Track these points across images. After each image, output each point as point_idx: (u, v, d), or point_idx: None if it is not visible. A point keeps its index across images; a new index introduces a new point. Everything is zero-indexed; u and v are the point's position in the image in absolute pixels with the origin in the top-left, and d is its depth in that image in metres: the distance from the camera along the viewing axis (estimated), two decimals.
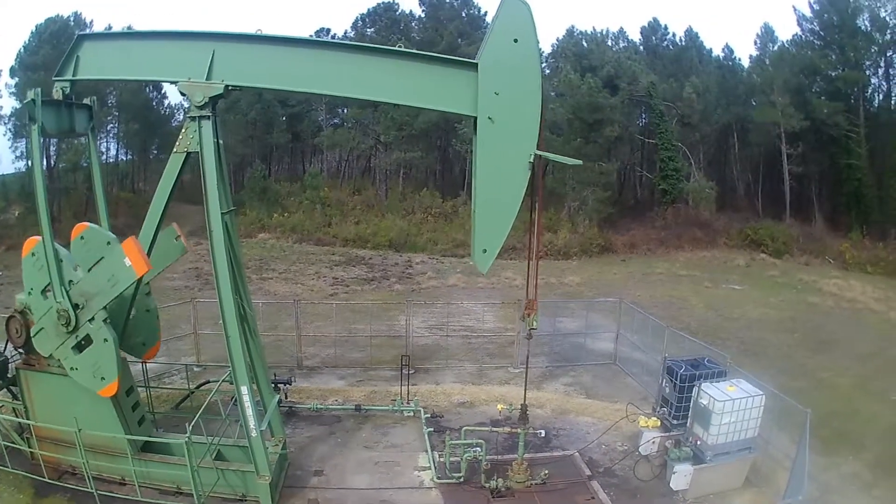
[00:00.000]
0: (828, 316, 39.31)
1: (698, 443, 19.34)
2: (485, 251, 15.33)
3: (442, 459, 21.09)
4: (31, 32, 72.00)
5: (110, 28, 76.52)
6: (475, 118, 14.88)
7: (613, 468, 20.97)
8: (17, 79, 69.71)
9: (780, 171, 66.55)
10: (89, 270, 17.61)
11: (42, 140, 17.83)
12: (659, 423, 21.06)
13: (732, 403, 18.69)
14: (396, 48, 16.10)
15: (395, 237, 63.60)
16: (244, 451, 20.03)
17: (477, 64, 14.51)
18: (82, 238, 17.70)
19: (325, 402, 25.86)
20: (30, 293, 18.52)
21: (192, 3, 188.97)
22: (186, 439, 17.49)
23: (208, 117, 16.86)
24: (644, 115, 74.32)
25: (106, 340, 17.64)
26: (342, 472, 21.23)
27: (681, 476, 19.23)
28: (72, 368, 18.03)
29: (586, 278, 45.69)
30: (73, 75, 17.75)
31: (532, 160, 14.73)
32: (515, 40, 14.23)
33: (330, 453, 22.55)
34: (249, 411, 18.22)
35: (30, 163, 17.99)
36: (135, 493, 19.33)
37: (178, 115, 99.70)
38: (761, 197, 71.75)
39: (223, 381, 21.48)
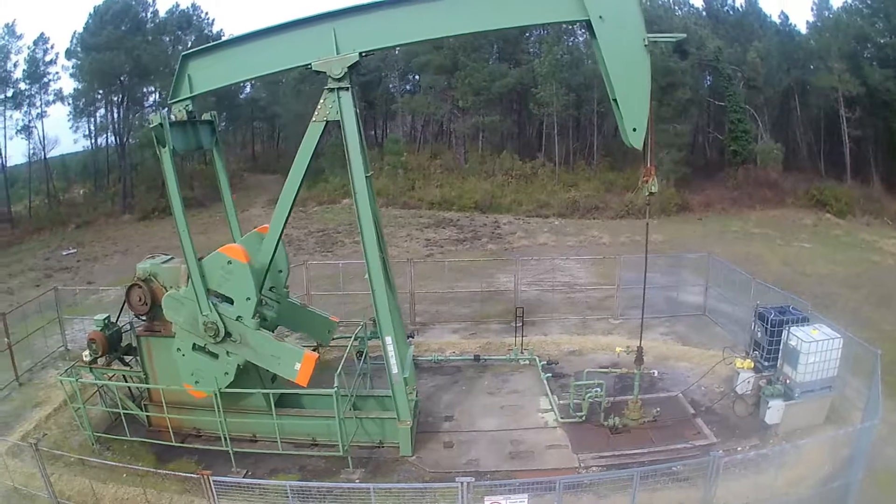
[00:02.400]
0: (889, 273, 40.97)
1: (788, 381, 21.59)
2: (635, 129, 17.58)
3: (562, 402, 23.27)
4: (90, 14, 71.52)
5: (177, 6, 79.22)
6: (588, 21, 17.11)
7: (713, 407, 23.18)
8: (74, 60, 70.29)
9: (840, 133, 66.90)
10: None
11: (172, 157, 18.76)
12: (752, 364, 23.07)
13: (817, 345, 20.90)
14: None
15: (480, 199, 64.82)
16: (377, 400, 22.06)
17: None
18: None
19: (444, 354, 28.15)
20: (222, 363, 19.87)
21: None
22: (335, 391, 18.97)
23: (347, 88, 18.39)
24: (710, 78, 75.01)
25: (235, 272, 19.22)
26: (471, 417, 23.23)
27: (775, 411, 21.42)
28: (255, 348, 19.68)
29: (668, 237, 47.70)
30: (191, 92, 19.19)
31: (646, 43, 16.97)
32: None
33: (456, 400, 24.52)
34: (394, 359, 19.92)
35: (167, 187, 18.78)
36: (268, 448, 20.81)
37: (246, 87, 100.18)
38: (823, 157, 72.17)
39: (355, 336, 23.54)
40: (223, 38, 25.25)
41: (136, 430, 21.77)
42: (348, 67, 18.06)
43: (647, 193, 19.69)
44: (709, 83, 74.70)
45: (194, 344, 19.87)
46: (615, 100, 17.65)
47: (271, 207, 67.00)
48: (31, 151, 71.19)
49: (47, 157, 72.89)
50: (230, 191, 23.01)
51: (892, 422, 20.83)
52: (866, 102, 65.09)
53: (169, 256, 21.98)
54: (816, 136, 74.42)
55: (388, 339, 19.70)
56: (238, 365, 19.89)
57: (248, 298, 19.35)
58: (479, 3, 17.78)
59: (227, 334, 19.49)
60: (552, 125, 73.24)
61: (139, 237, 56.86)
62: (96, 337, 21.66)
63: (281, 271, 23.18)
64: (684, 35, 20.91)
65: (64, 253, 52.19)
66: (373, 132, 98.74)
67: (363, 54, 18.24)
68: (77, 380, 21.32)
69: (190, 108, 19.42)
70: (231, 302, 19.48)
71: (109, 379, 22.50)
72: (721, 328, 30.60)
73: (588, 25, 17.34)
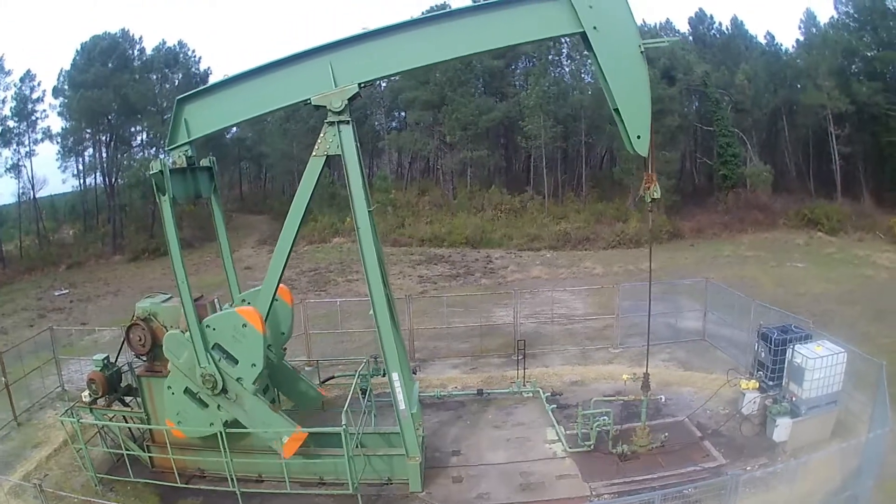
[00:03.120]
0: (883, 287, 41.28)
1: (794, 399, 21.69)
2: (639, 137, 17.44)
3: (569, 432, 23.13)
4: (77, 51, 72.30)
5: (163, 43, 79.16)
6: (582, 33, 17.11)
7: (720, 429, 23.09)
8: (61, 98, 70.29)
9: (829, 151, 67.57)
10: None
11: (172, 205, 18.53)
12: (757, 384, 23.13)
13: (822, 360, 21.07)
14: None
15: (470, 234, 64.90)
16: (383, 437, 21.81)
17: None
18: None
19: (446, 390, 27.95)
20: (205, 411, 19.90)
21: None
22: (343, 429, 18.55)
23: (348, 121, 18.22)
24: (698, 103, 75.69)
25: (235, 326, 19.08)
26: (478, 450, 22.95)
27: (782, 428, 21.52)
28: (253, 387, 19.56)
29: (661, 264, 47.30)
30: (189, 137, 18.88)
31: (643, 50, 17.04)
32: None
33: (462, 434, 24.27)
34: (401, 395, 19.67)
35: (165, 231, 18.19)
36: (274, 488, 20.56)
37: (233, 128, 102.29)
38: (812, 177, 72.87)
39: (359, 374, 23.02)
40: (214, 80, 24.78)
41: (139, 471, 21.46)
42: (348, 100, 17.96)
43: (649, 200, 19.64)
44: (696, 108, 75.31)
45: (187, 388, 19.75)
46: (616, 109, 17.56)
47: (261, 247, 67.83)
48: (21, 191, 70.94)
49: (36, 196, 72.57)
50: (228, 242, 22.83)
51: None
52: (855, 118, 65.93)
53: (167, 295, 21.85)
54: (805, 156, 75.41)
55: (395, 376, 19.54)
56: (225, 421, 19.88)
57: (254, 365, 19.31)
58: (474, 25, 17.75)
59: (224, 391, 19.47)
60: (540, 158, 73.77)
61: (130, 278, 56.59)
62: (96, 377, 21.40)
63: (283, 333, 22.96)
64: (678, 38, 21.04)
65: (56, 293, 51.89)
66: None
67: (362, 85, 18.16)
68: (78, 420, 20.96)
69: (190, 153, 19.20)
70: (235, 362, 19.38)
71: (110, 419, 22.16)
72: (722, 352, 30.61)
73: (583, 38, 17.40)
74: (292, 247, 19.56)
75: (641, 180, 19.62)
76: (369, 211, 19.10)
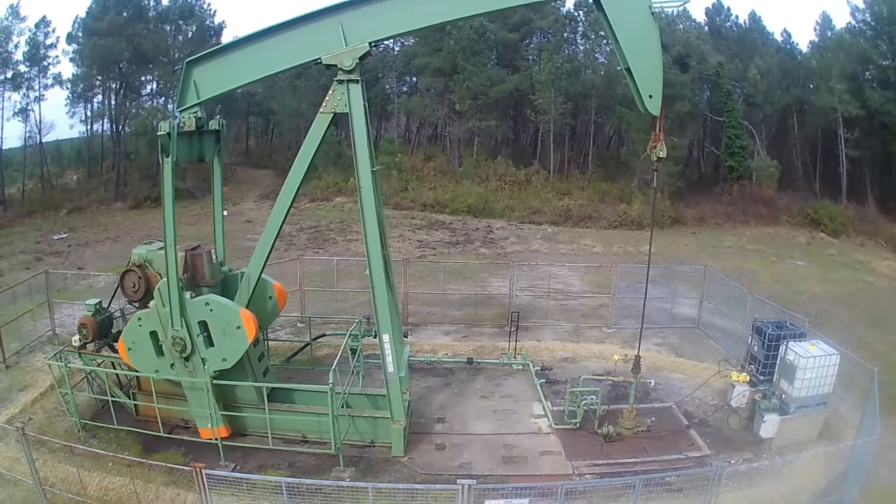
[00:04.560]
0: (882, 294, 41.17)
1: (784, 396, 21.69)
2: (651, 97, 17.43)
3: (556, 408, 23.24)
4: None
5: None
6: None
7: (707, 419, 23.20)
8: (74, 45, 69.55)
9: (837, 152, 67.34)
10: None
11: (174, 168, 18.62)
12: (748, 378, 23.16)
13: (814, 360, 21.04)
14: None
15: (473, 203, 64.85)
16: (369, 399, 21.95)
17: None
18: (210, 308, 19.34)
19: (436, 355, 27.91)
20: (158, 371, 20.12)
21: None
22: (330, 388, 18.59)
23: (357, 81, 18.08)
24: (710, 93, 75.29)
25: (208, 303, 19.37)
26: (464, 419, 23.12)
27: (770, 425, 21.59)
28: (224, 360, 19.65)
29: (661, 249, 47.02)
30: (198, 99, 18.85)
31: (653, 10, 16.92)
32: None
33: (449, 402, 24.42)
34: (390, 358, 19.66)
35: (163, 196, 18.20)
36: (257, 442, 20.67)
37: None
38: (818, 177, 72.51)
39: (350, 333, 22.87)
40: (226, 39, 24.14)
41: (123, 419, 21.51)
42: (358, 59, 17.82)
43: (655, 159, 19.50)
44: (708, 97, 74.87)
45: (155, 332, 19.73)
46: (628, 69, 17.42)
47: (263, 202, 67.75)
48: (28, 135, 70.30)
49: (43, 141, 71.95)
50: (223, 205, 22.47)
51: (886, 440, 20.61)
52: (865, 124, 65.39)
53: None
54: (813, 155, 74.81)
55: (386, 337, 19.49)
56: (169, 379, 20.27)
57: (225, 360, 19.66)
58: None
59: (187, 358, 19.67)
60: (548, 133, 73.55)
61: (130, 225, 56.57)
62: (87, 322, 21.39)
63: (271, 298, 22.29)
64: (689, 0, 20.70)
65: (55, 237, 51.89)
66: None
67: (373, 44, 18.02)
68: (65, 365, 20.94)
69: (199, 115, 19.11)
70: (211, 345, 19.60)
71: (98, 365, 22.14)
72: (715, 342, 30.68)
73: (594, 2, 17.34)
74: (292, 203, 19.68)
75: (649, 146, 19.41)
76: (373, 171, 19.02)
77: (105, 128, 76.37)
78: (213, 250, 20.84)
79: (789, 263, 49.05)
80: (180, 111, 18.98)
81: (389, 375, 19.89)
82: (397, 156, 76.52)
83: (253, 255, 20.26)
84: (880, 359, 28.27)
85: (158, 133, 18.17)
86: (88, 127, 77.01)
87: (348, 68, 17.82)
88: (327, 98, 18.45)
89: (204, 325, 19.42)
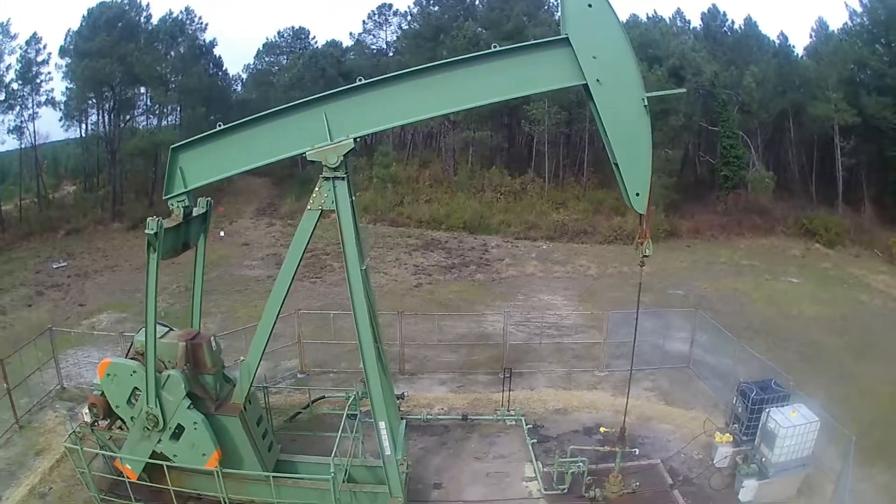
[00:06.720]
0: (875, 317, 41.60)
1: (763, 460, 22.31)
2: (638, 194, 16.95)
3: (546, 468, 23.82)
4: (83, 17, 71.08)
5: (170, 13, 78.84)
6: (585, 85, 16.22)
7: (691, 477, 23.74)
8: (67, 59, 69.72)
9: (833, 158, 67.31)
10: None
11: (158, 263, 18.69)
12: (731, 438, 23.79)
13: (795, 429, 21.55)
14: (493, 49, 16.69)
15: (469, 219, 65.02)
16: (370, 470, 22.31)
17: (567, 38, 15.82)
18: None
19: (432, 412, 28.50)
20: (117, 407, 20.48)
21: None
22: (331, 476, 18.89)
23: (343, 178, 17.70)
24: (705, 101, 75.31)
25: (196, 424, 19.73)
26: (458, 485, 23.53)
27: (749, 490, 22.29)
28: (174, 456, 20.05)
29: (656, 268, 46.99)
30: (185, 187, 18.50)
31: (646, 103, 16.21)
32: (589, 5, 15.63)
33: (444, 465, 24.82)
34: (387, 442, 19.84)
35: (146, 289, 18.04)
36: None
37: (237, 85, 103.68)
38: (814, 182, 72.62)
39: (352, 396, 23.24)
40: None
41: (138, 488, 21.52)
42: (343, 156, 17.54)
43: (642, 255, 19.56)
44: (702, 105, 75.15)
45: (132, 393, 20.35)
46: (616, 164, 17.08)
47: (260, 218, 68.26)
48: (22, 147, 70.62)
49: (37, 146, 72.45)
50: (202, 284, 22.38)
51: (861, 491, 22.01)
52: (861, 130, 65.58)
53: (167, 328, 21.64)
54: (809, 161, 74.98)
55: (382, 425, 19.78)
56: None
57: (175, 456, 20.35)
58: (475, 78, 17.07)
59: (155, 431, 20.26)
60: (542, 141, 73.96)
61: (128, 250, 56.28)
62: (97, 402, 21.41)
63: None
64: (684, 91, 20.61)
65: (54, 266, 52.05)
66: (362, 139, 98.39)
67: (357, 140, 17.66)
68: (81, 449, 21.11)
69: (186, 203, 19.03)
70: (175, 440, 20.28)
71: (109, 439, 22.28)
72: (704, 383, 31.17)
73: (585, 90, 16.66)
74: (286, 297, 19.51)
75: (636, 243, 19.47)
76: (362, 270, 19.05)
77: (100, 145, 76.32)
78: (212, 338, 21.10)
79: (783, 281, 49.52)
80: (167, 199, 18.82)
81: (387, 458, 20.15)
82: (391, 167, 76.72)
83: (250, 346, 20.38)
84: (868, 395, 29.39)
85: (146, 231, 18.00)
86: (84, 147, 78.10)
87: (333, 165, 17.47)
88: (314, 195, 18.20)
89: (181, 428, 19.95)
